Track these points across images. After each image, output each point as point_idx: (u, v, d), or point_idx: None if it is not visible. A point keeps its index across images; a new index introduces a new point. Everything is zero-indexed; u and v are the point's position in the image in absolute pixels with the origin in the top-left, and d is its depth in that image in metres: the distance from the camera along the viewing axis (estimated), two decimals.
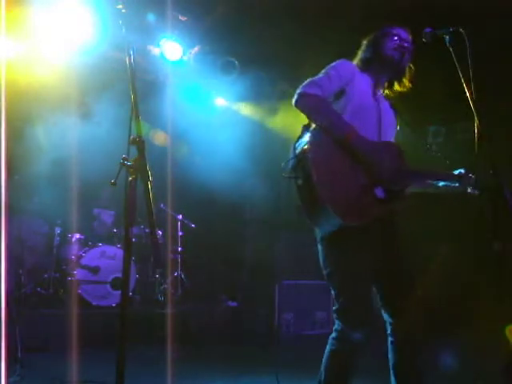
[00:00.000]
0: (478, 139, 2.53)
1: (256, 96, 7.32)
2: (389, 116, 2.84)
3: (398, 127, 2.98)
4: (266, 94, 7.24)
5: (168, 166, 6.72)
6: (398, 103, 3.06)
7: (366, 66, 2.84)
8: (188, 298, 7.05)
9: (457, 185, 2.78)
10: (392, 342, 2.78)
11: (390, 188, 2.59)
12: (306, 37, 6.04)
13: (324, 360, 2.69)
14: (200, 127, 7.04)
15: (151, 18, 6.25)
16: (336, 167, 2.51)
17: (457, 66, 2.60)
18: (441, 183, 2.89)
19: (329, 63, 2.88)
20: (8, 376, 3.11)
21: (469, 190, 2.71)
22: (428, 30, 2.76)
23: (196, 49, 6.92)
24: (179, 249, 7.26)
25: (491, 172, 2.46)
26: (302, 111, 2.60)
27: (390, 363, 2.75)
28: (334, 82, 2.66)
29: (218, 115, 7.85)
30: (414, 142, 3.34)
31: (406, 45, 2.80)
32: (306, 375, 4.30)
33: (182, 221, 7.38)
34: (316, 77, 2.68)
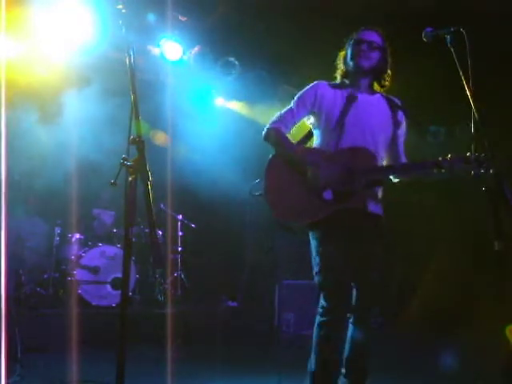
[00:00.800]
0: (478, 139, 2.53)
1: (256, 96, 7.32)
2: (373, 118, 3.09)
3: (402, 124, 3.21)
4: (267, 94, 7.23)
5: (168, 166, 6.72)
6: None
7: (342, 78, 3.17)
8: (188, 297, 7.04)
9: (443, 172, 2.86)
10: (351, 336, 3.08)
11: (340, 189, 2.94)
12: (306, 37, 6.04)
13: (313, 335, 3.06)
14: (200, 127, 7.03)
15: (151, 17, 6.25)
16: (284, 181, 3.06)
17: (457, 65, 2.60)
18: (432, 173, 2.96)
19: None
20: (8, 376, 3.11)
21: (472, 173, 2.69)
22: (429, 29, 2.77)
23: (196, 49, 6.92)
24: (179, 249, 7.26)
25: (491, 171, 2.46)
26: (269, 144, 3.16)
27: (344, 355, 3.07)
28: (300, 110, 3.13)
29: (217, 115, 7.85)
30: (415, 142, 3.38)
31: (375, 45, 3.07)
32: (305, 375, 4.30)
33: (181, 221, 7.38)
34: (282, 110, 3.16)
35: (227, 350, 5.39)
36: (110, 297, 6.26)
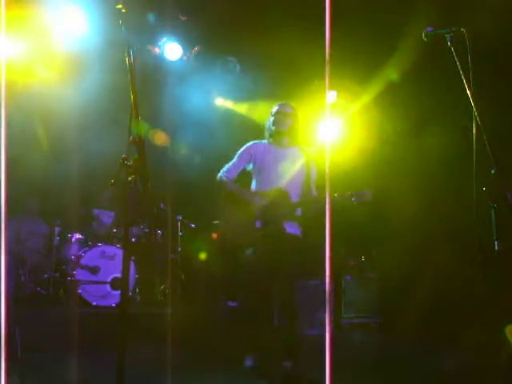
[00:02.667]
0: (479, 139, 2.53)
1: (256, 96, 7.32)
2: (289, 165, 4.28)
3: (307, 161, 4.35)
4: (267, 94, 7.23)
5: (168, 166, 6.72)
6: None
7: (269, 137, 4.43)
8: (188, 297, 7.04)
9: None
10: None
11: (265, 220, 4.20)
12: (307, 37, 6.04)
13: None
14: (200, 127, 7.03)
15: (151, 18, 6.25)
16: (231, 214, 4.32)
17: (457, 65, 2.60)
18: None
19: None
20: (8, 376, 3.11)
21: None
22: (429, 29, 2.76)
23: (196, 49, 6.91)
24: (179, 249, 7.26)
25: (492, 171, 2.46)
26: (219, 188, 4.36)
27: None
28: (239, 163, 4.37)
29: (217, 115, 7.84)
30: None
31: (288, 112, 4.36)
32: (305, 375, 4.30)
33: (181, 221, 7.37)
34: (230, 162, 4.38)
35: (227, 349, 5.39)
36: (110, 297, 6.26)
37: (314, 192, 4.36)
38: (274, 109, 4.40)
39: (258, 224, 4.20)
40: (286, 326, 4.28)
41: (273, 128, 4.37)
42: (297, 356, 4.15)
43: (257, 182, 4.33)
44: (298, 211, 4.27)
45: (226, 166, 4.38)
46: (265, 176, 4.27)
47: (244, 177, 4.44)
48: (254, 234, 4.17)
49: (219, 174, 4.37)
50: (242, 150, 4.40)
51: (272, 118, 4.39)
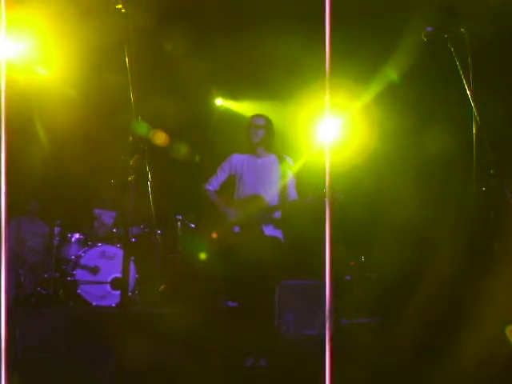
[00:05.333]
0: (479, 138, 2.53)
1: (256, 96, 7.32)
2: (266, 173, 4.67)
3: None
4: (267, 94, 7.24)
5: (168, 166, 6.71)
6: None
7: (247, 148, 4.77)
8: (188, 297, 7.03)
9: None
10: None
11: (242, 224, 4.61)
12: (307, 37, 6.04)
13: None
14: (200, 127, 7.03)
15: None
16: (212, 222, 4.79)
17: (457, 65, 2.60)
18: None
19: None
20: (8, 376, 3.11)
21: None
22: (429, 29, 2.76)
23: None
24: (179, 249, 7.26)
25: (492, 171, 2.46)
26: (203, 199, 4.85)
27: None
28: (221, 174, 4.76)
29: (218, 115, 7.83)
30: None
31: (259, 124, 4.69)
32: (305, 375, 4.30)
33: (181, 221, 7.37)
34: (213, 175, 4.79)
35: (227, 349, 5.39)
36: (110, 297, 6.26)
37: (294, 196, 4.72)
38: (251, 120, 4.80)
39: (236, 229, 4.64)
40: (264, 324, 4.55)
41: (248, 140, 4.76)
42: (272, 354, 4.38)
43: (237, 191, 4.73)
44: (277, 214, 4.65)
45: (210, 179, 4.81)
46: (243, 184, 4.66)
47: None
48: (233, 238, 4.60)
49: (204, 185, 4.81)
50: (224, 162, 4.81)
51: (249, 132, 4.76)
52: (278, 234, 4.69)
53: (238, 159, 4.80)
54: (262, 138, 4.72)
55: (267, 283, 4.60)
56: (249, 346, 4.49)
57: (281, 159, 4.76)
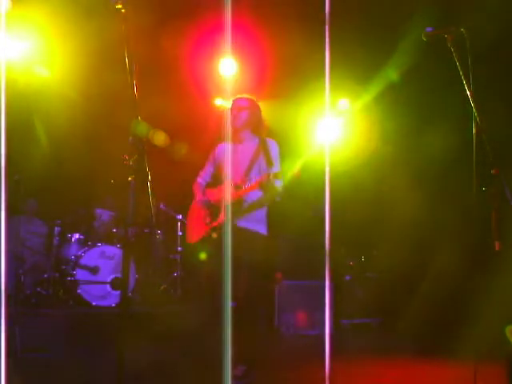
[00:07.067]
0: (479, 138, 2.53)
1: (256, 96, 7.31)
2: (245, 155, 4.17)
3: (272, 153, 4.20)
4: (267, 94, 7.23)
5: (168, 166, 6.71)
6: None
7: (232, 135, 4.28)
8: (187, 297, 7.03)
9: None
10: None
11: (212, 217, 4.24)
12: (307, 37, 6.04)
13: None
14: (200, 127, 7.02)
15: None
16: (195, 214, 4.43)
17: (457, 65, 2.60)
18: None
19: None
20: (8, 376, 3.11)
21: None
22: (429, 29, 2.76)
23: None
24: (179, 249, 7.26)
25: (492, 171, 2.46)
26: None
27: None
28: (209, 166, 4.43)
29: (218, 115, 7.83)
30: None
31: (241, 106, 4.22)
32: (305, 375, 4.31)
33: (181, 221, 7.37)
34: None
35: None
36: (110, 297, 6.26)
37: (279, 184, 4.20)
38: (232, 103, 4.29)
39: (207, 221, 4.27)
40: (244, 328, 3.98)
41: (229, 125, 4.23)
42: (251, 361, 4.05)
43: (218, 182, 4.39)
44: (261, 209, 4.17)
45: (200, 172, 4.52)
46: (223, 174, 4.29)
47: None
48: (203, 231, 4.26)
49: (196, 179, 4.51)
50: (211, 155, 4.47)
51: (229, 116, 4.27)
52: (257, 227, 4.15)
53: (220, 149, 4.41)
54: (245, 121, 4.23)
55: (245, 282, 4.10)
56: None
57: (263, 143, 4.23)
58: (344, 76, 5.75)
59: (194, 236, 4.42)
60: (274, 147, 4.20)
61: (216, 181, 4.44)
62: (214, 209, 4.23)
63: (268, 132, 4.35)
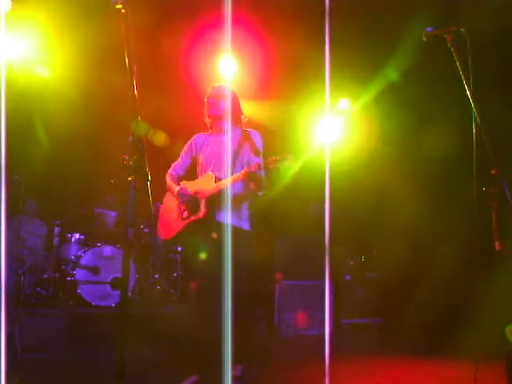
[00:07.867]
0: (479, 138, 2.53)
1: (257, 96, 7.32)
2: (225, 145, 3.97)
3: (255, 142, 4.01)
4: (267, 94, 7.24)
5: (168, 166, 6.70)
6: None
7: (209, 126, 4.16)
8: (187, 297, 7.03)
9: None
10: None
11: (190, 209, 3.97)
12: (307, 37, 6.04)
13: None
14: (200, 127, 7.01)
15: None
16: (168, 207, 4.19)
17: (457, 65, 2.60)
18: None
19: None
20: (8, 376, 3.11)
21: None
22: (429, 29, 2.76)
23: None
24: (179, 249, 7.26)
25: (492, 171, 2.46)
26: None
27: None
28: (185, 158, 4.18)
29: None
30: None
31: (219, 94, 4.01)
32: (305, 375, 4.30)
33: None
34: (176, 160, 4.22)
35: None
36: (110, 297, 6.26)
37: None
38: (210, 91, 4.09)
39: (185, 214, 4.02)
40: (239, 327, 3.84)
41: (207, 114, 4.09)
42: (249, 359, 3.95)
43: (197, 175, 4.13)
44: (244, 203, 3.97)
45: (173, 164, 4.24)
46: (201, 166, 4.04)
47: None
48: (179, 225, 4.03)
49: (169, 171, 4.23)
50: (186, 144, 4.22)
51: (207, 105, 4.08)
52: (239, 223, 3.92)
53: (199, 139, 4.16)
54: (224, 110, 3.99)
55: (208, 274, 3.92)
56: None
57: (245, 134, 4.05)
58: (344, 76, 5.76)
59: (169, 231, 4.11)
60: (257, 138, 4.03)
61: (189, 174, 4.19)
62: (192, 203, 3.93)
63: (248, 123, 4.16)
